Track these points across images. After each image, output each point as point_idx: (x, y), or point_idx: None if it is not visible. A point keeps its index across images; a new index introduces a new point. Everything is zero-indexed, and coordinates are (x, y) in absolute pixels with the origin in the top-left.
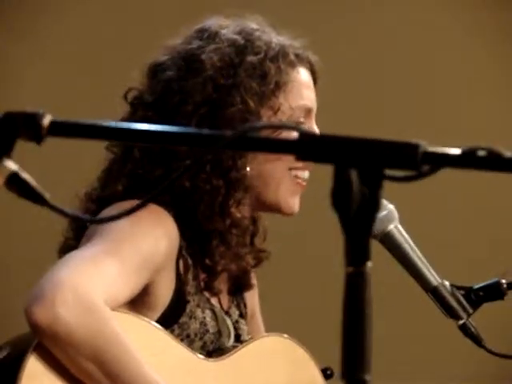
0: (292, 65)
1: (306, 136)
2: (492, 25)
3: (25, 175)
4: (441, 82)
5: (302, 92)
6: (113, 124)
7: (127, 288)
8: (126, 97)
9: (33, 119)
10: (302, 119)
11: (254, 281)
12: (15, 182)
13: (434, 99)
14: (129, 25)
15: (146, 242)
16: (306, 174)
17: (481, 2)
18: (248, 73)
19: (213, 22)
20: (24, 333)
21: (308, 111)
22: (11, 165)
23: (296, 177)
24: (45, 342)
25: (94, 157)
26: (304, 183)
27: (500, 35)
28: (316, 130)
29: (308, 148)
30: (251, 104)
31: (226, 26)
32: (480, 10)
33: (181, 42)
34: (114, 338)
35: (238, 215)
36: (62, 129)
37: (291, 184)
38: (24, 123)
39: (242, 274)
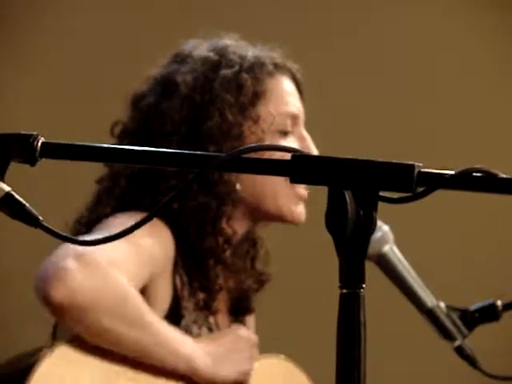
0: (270, 74)
1: (300, 158)
2: (494, 27)
3: (17, 197)
4: (440, 90)
5: (284, 99)
6: (106, 146)
7: (129, 269)
8: (112, 131)
9: (26, 141)
10: (288, 127)
11: (253, 305)
12: (8, 204)
13: (433, 108)
14: (123, 42)
15: (144, 241)
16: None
17: (482, 3)
18: (223, 86)
19: (187, 45)
20: (19, 354)
21: (294, 118)
22: (4, 186)
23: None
24: (63, 316)
25: (89, 178)
26: (303, 191)
27: (502, 37)
28: (306, 136)
29: (301, 170)
30: (229, 116)
31: (200, 47)
32: (482, 10)
33: (158, 69)
34: (125, 292)
35: (229, 231)
36: (54, 151)
37: (290, 193)
38: (18, 145)
39: (242, 297)
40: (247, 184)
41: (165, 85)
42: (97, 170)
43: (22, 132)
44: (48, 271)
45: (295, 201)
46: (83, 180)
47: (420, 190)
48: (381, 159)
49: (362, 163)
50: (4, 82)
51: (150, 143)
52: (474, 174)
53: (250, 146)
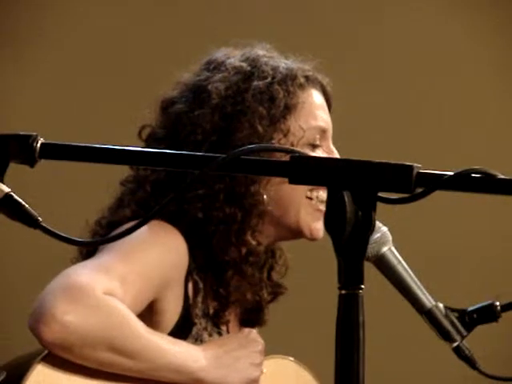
0: (302, 87)
1: (299, 159)
2: (493, 28)
3: (17, 197)
4: (440, 91)
5: (314, 113)
6: (104, 147)
7: (129, 293)
8: (140, 134)
9: (26, 142)
10: (317, 141)
11: (267, 317)
12: (7, 205)
13: (432, 109)
14: (126, 49)
15: (153, 253)
16: (325, 195)
17: (481, 4)
18: (255, 98)
19: (220, 53)
20: (22, 355)
21: (323, 132)
22: (3, 187)
23: (313, 200)
24: (62, 355)
25: (88, 180)
26: (323, 208)
27: (500, 39)
28: (334, 150)
29: (300, 171)
30: (259, 128)
31: (233, 56)
32: (480, 12)
33: (189, 76)
34: (118, 321)
35: (254, 242)
36: (53, 151)
37: (311, 209)
38: (17, 146)
39: (255, 308)
40: (273, 197)
41: (196, 92)
42: (96, 171)
43: (21, 133)
44: (37, 313)
45: (315, 217)
46: (83, 181)
47: (419, 190)
48: (380, 160)
49: (360, 164)
50: (5, 84)
51: (178, 150)
52: (473, 174)
53: (249, 147)
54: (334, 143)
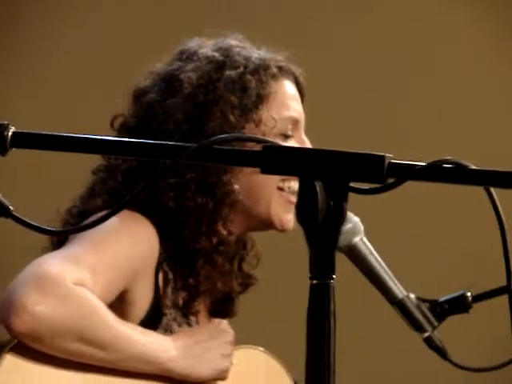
0: (274, 77)
1: (271, 148)
2: (495, 22)
3: None
4: (441, 85)
5: (286, 103)
6: (75, 136)
7: (99, 283)
8: (112, 124)
9: None
10: (289, 131)
11: (237, 308)
12: None
13: (435, 105)
14: (120, 46)
15: (123, 243)
16: (296, 186)
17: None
18: (227, 87)
19: (192, 43)
20: None
21: (295, 122)
22: None
23: (284, 191)
24: (32, 345)
25: (62, 169)
26: (294, 199)
27: (504, 32)
28: (306, 141)
29: (272, 160)
30: (231, 118)
31: (206, 45)
32: (483, 6)
33: (162, 65)
34: (89, 312)
35: (225, 232)
36: (25, 140)
37: (282, 200)
38: None
39: (224, 299)
40: (245, 187)
41: (168, 81)
42: (68, 160)
43: None
44: (7, 303)
45: (286, 209)
46: (55, 170)
47: (390, 181)
48: (356, 151)
49: (332, 154)
50: (5, 84)
51: (151, 139)
52: (445, 165)
53: (221, 136)
54: (335, 140)
